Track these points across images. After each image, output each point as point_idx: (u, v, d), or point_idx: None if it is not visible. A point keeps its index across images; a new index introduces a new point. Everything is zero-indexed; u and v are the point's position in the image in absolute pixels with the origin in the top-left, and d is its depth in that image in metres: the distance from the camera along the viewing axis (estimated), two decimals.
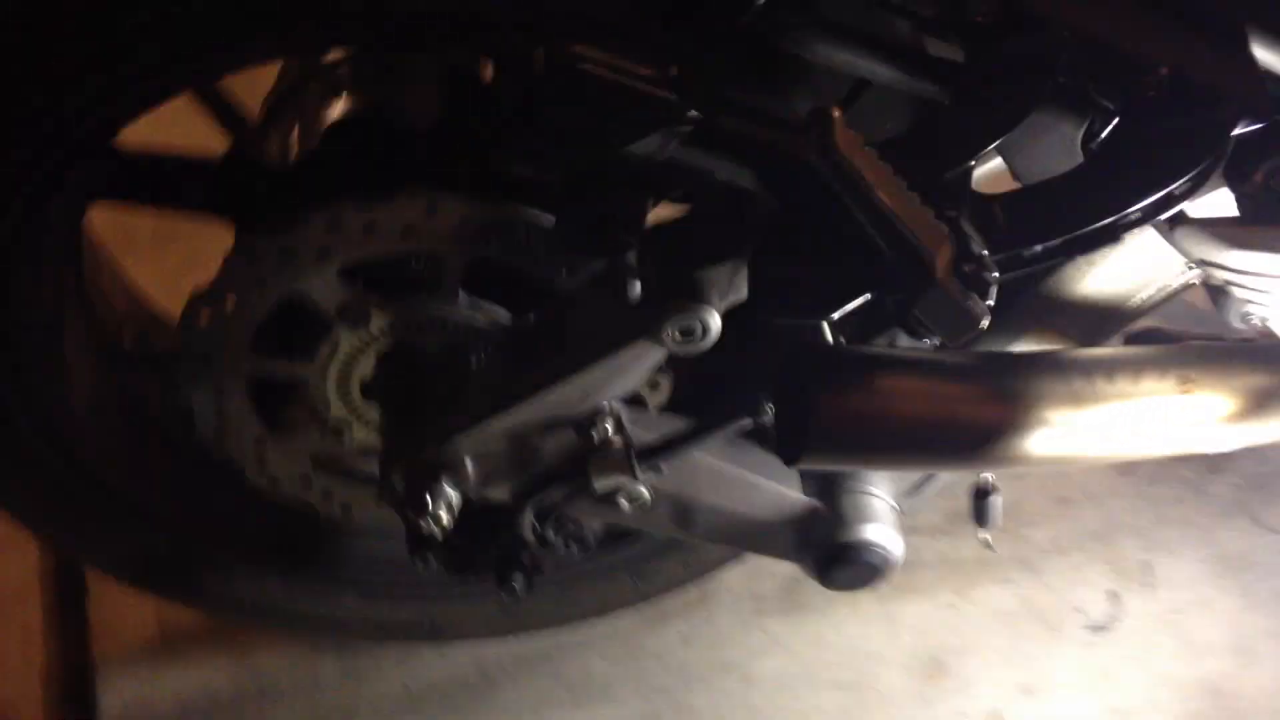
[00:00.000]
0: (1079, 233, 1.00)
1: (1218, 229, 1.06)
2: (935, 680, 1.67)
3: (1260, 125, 1.02)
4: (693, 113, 0.91)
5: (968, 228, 0.96)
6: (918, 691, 1.66)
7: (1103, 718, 1.58)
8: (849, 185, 0.89)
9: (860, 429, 1.04)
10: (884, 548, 1.25)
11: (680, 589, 1.71)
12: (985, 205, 1.00)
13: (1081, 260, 1.12)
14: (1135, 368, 1.10)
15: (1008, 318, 1.18)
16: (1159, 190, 1.00)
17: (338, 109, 1.33)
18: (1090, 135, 1.04)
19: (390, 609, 1.60)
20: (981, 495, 1.24)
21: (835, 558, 1.27)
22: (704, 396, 1.29)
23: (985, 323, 0.94)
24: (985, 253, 0.95)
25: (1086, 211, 1.01)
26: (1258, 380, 1.15)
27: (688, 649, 1.75)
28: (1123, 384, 1.08)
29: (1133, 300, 1.19)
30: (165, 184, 1.28)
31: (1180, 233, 1.08)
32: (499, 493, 1.28)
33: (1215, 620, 1.65)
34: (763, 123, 0.92)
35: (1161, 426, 1.12)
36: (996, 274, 0.95)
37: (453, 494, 1.25)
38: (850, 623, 1.75)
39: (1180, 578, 1.71)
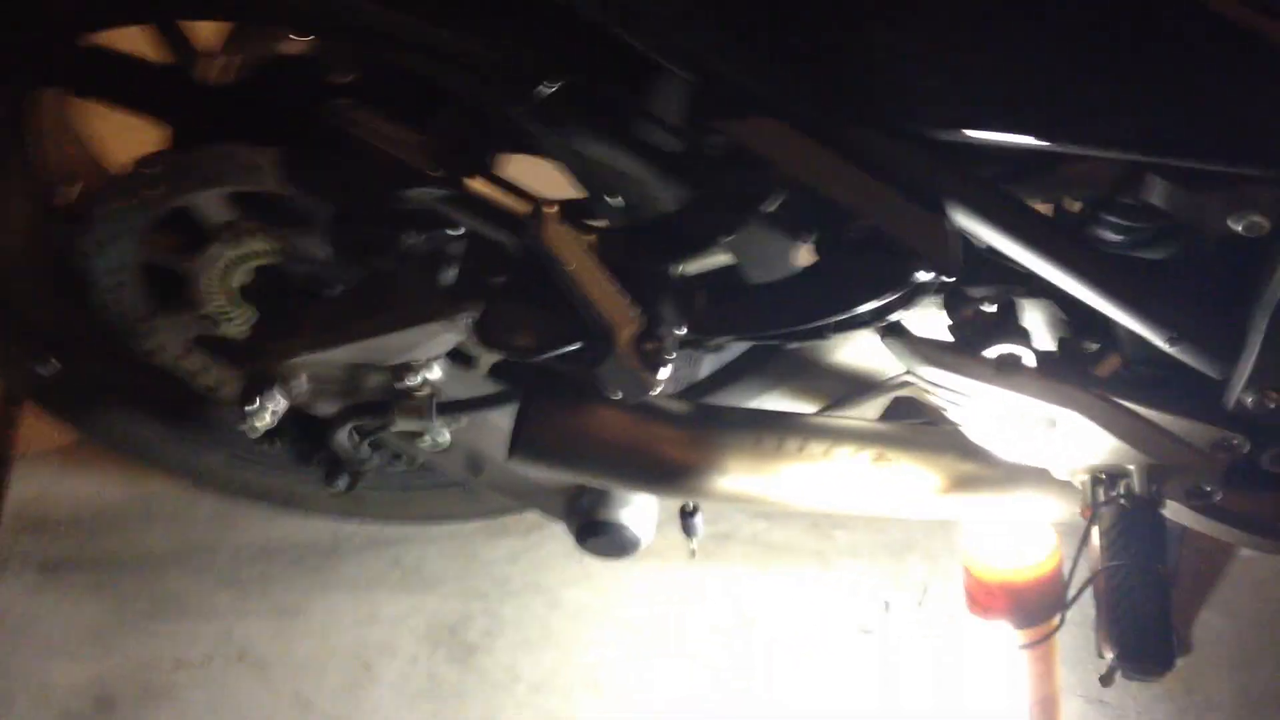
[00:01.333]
0: (766, 332, 1.18)
1: (918, 345, 1.23)
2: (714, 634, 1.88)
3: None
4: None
5: (666, 312, 1.14)
6: (697, 637, 1.88)
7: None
8: (552, 266, 1.08)
9: (559, 444, 1.24)
10: (632, 531, 1.46)
11: (515, 513, 1.92)
12: (689, 296, 1.17)
13: (821, 345, 1.29)
14: (833, 436, 1.30)
15: (759, 378, 1.36)
16: (845, 311, 1.17)
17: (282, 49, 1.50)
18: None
19: (255, 475, 1.84)
20: (685, 514, 1.45)
21: (590, 528, 1.48)
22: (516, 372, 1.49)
23: (655, 391, 1.12)
24: (671, 334, 1.12)
25: (777, 315, 1.18)
26: (948, 466, 1.34)
27: (512, 565, 1.97)
28: (814, 448, 1.27)
29: (867, 383, 1.37)
30: (115, 82, 1.46)
31: (890, 341, 1.25)
32: (325, 408, 1.49)
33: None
34: (494, 205, 1.11)
35: (848, 491, 1.31)
36: (672, 355, 1.12)
37: (282, 401, 1.46)
38: (658, 575, 1.96)
39: (949, 604, 1.90)
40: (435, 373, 1.44)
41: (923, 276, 1.15)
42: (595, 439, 1.25)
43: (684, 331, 1.15)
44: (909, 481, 1.34)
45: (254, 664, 1.87)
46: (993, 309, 1.27)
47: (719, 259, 1.19)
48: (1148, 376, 1.28)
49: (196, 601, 1.92)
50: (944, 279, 1.16)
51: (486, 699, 1.85)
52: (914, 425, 1.35)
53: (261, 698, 1.84)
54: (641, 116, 1.11)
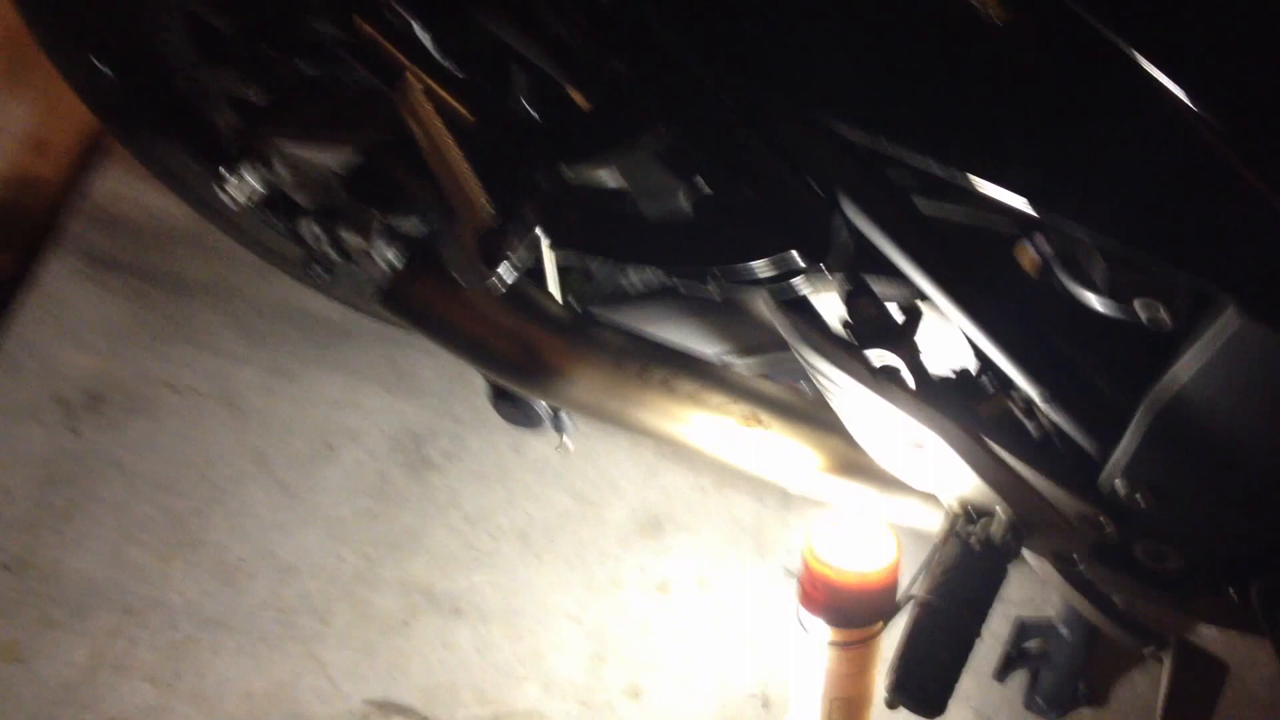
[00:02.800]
0: (627, 259, 1.14)
1: (801, 324, 1.17)
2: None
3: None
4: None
5: (525, 214, 1.11)
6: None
7: None
8: (414, 133, 1.06)
9: (421, 306, 1.25)
10: (535, 413, 1.47)
11: None
12: (558, 206, 1.14)
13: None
14: (707, 382, 1.26)
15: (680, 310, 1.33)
16: (706, 263, 1.12)
17: None
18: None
19: (269, 237, 1.91)
20: (555, 411, 1.44)
21: (504, 395, 1.49)
22: None
23: (487, 283, 1.11)
24: (519, 235, 1.10)
25: (642, 248, 1.14)
26: (825, 447, 1.30)
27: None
28: (682, 386, 1.25)
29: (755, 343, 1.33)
30: None
31: (774, 311, 1.19)
32: (302, 199, 1.53)
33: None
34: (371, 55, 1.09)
35: (708, 439, 1.29)
36: (514, 254, 1.10)
37: (256, 184, 1.51)
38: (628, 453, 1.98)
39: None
40: None
41: (794, 255, 1.10)
42: (454, 311, 1.24)
43: (539, 236, 1.13)
44: (776, 449, 1.30)
45: (232, 409, 1.98)
46: (896, 313, 1.20)
47: (606, 180, 1.15)
48: (1031, 430, 1.19)
49: (207, 335, 2.03)
50: (816, 264, 1.10)
51: (420, 513, 1.92)
52: (804, 395, 1.29)
53: (227, 441, 1.95)
54: (552, 10, 1.07)
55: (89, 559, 1.84)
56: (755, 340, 1.39)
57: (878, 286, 1.19)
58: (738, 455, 1.32)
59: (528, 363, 1.25)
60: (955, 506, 1.27)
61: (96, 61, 1.75)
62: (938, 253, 1.09)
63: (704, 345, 1.38)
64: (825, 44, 0.99)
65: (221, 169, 1.50)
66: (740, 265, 1.11)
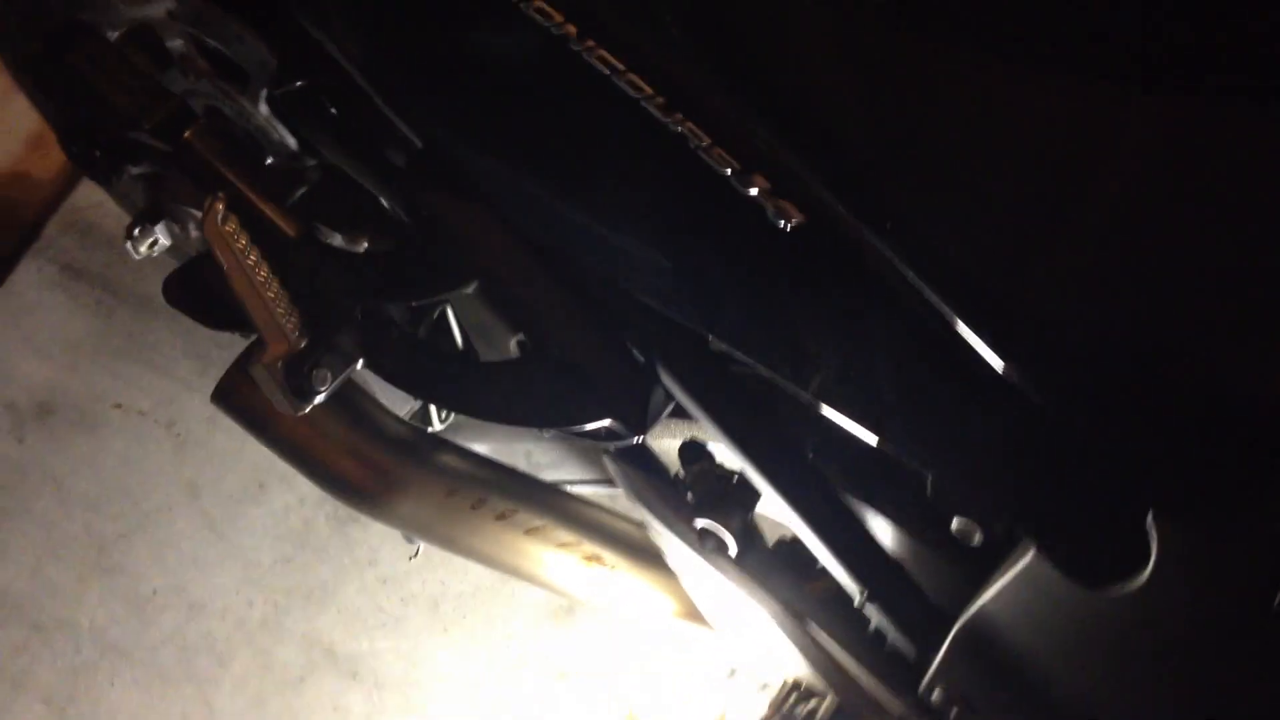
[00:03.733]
0: (444, 404, 1.11)
1: (634, 477, 1.14)
2: None
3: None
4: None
5: (341, 343, 1.08)
6: None
7: None
8: (218, 259, 1.05)
9: (251, 408, 1.23)
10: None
11: None
12: (380, 334, 1.11)
13: None
14: (551, 519, 1.24)
15: None
16: (521, 422, 1.09)
17: None
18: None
19: None
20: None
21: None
22: None
23: (296, 414, 1.09)
24: (331, 367, 1.07)
25: (460, 394, 1.11)
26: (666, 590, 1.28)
27: None
28: (521, 519, 1.23)
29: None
30: None
31: (609, 460, 1.17)
32: None
33: None
34: (193, 186, 1.08)
35: (553, 578, 1.27)
36: (323, 388, 1.08)
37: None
38: None
39: None
40: None
41: (609, 423, 1.06)
42: (286, 425, 1.23)
43: (354, 365, 1.10)
44: (617, 589, 1.27)
45: (174, 436, 2.00)
46: (728, 478, 1.16)
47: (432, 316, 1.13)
48: (860, 619, 1.15)
49: (162, 358, 2.05)
50: (634, 435, 1.07)
51: (337, 567, 1.93)
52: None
53: (163, 468, 1.97)
54: (375, 142, 1.05)
55: (9, 570, 1.88)
56: (602, 472, 1.36)
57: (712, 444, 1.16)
58: (579, 592, 1.29)
59: (360, 481, 1.23)
60: (788, 679, 1.23)
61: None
62: (757, 435, 1.05)
63: (555, 470, 1.35)
64: (626, 227, 0.96)
65: (133, 228, 1.50)
66: (560, 427, 1.08)
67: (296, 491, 1.97)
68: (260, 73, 1.21)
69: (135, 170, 1.19)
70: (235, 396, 1.22)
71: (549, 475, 1.36)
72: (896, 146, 0.83)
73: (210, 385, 2.01)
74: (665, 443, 1.17)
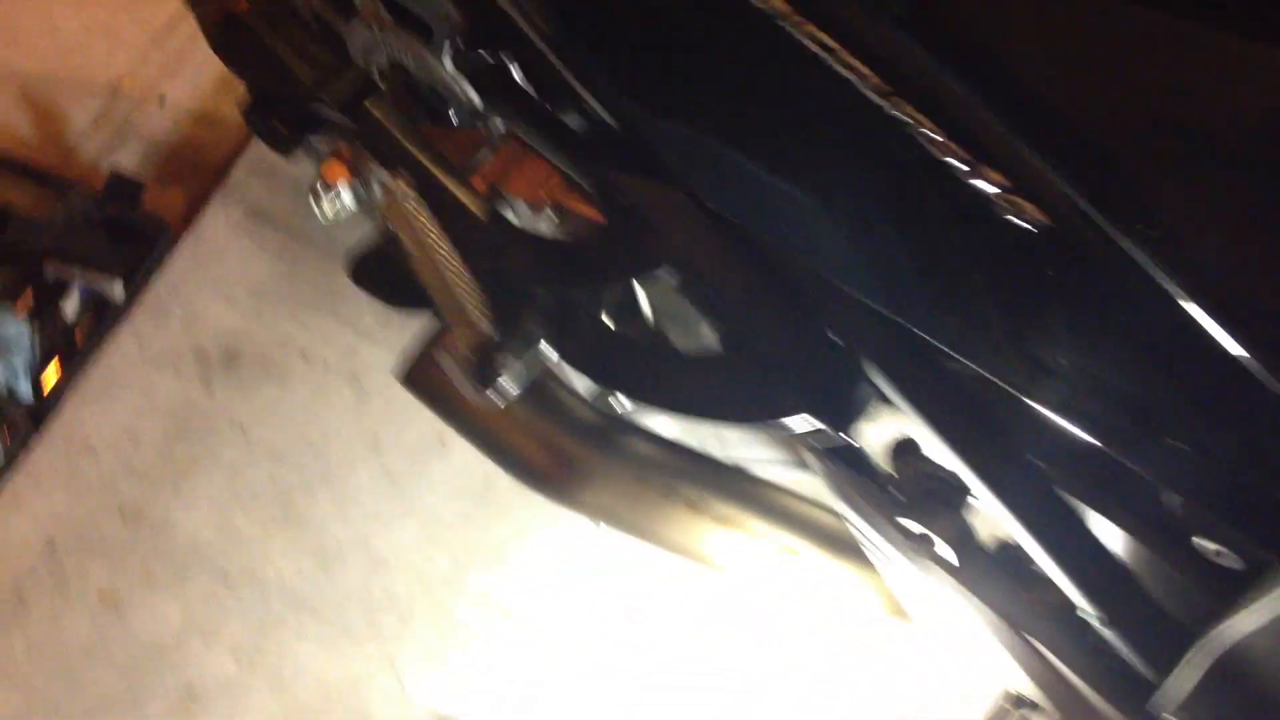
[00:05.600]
0: (638, 398, 1.03)
1: (839, 478, 1.05)
2: None
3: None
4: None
5: (528, 331, 1.00)
6: None
7: None
8: (402, 239, 0.97)
9: (438, 389, 1.17)
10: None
11: None
12: (570, 322, 1.03)
13: None
14: (744, 509, 1.16)
15: None
16: (715, 417, 1.00)
17: None
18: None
19: None
20: None
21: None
22: None
23: (480, 401, 1.01)
24: (518, 356, 0.99)
25: (653, 386, 1.02)
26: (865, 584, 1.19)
27: None
28: (717, 511, 1.15)
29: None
30: None
31: (812, 459, 1.07)
32: None
33: None
34: (376, 159, 1.00)
35: (745, 569, 1.19)
36: (508, 378, 1.00)
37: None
38: None
39: None
40: None
41: (809, 418, 0.97)
42: (474, 408, 1.16)
43: (544, 354, 1.02)
44: (815, 582, 1.19)
45: (357, 388, 1.97)
46: (944, 479, 1.06)
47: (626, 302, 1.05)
48: (1082, 629, 1.04)
49: (348, 308, 2.02)
50: (837, 429, 0.97)
51: (518, 526, 1.88)
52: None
53: (346, 421, 1.95)
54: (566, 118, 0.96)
55: (197, 520, 1.88)
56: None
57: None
58: (774, 584, 1.21)
59: (547, 468, 1.17)
60: (1003, 690, 1.13)
61: None
62: (973, 436, 0.95)
63: (747, 449, 1.26)
64: (842, 219, 0.86)
65: (317, 185, 1.46)
66: (757, 423, 0.99)
67: None
68: (443, 26, 1.13)
69: (315, 141, 1.12)
70: (422, 378, 1.16)
71: (740, 454, 1.27)
72: (1153, 140, 0.72)
73: (393, 337, 2.00)
74: (871, 439, 1.07)
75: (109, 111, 2.24)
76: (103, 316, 2.01)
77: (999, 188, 0.74)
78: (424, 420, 1.84)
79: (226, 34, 1.18)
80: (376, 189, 1.43)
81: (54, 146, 2.20)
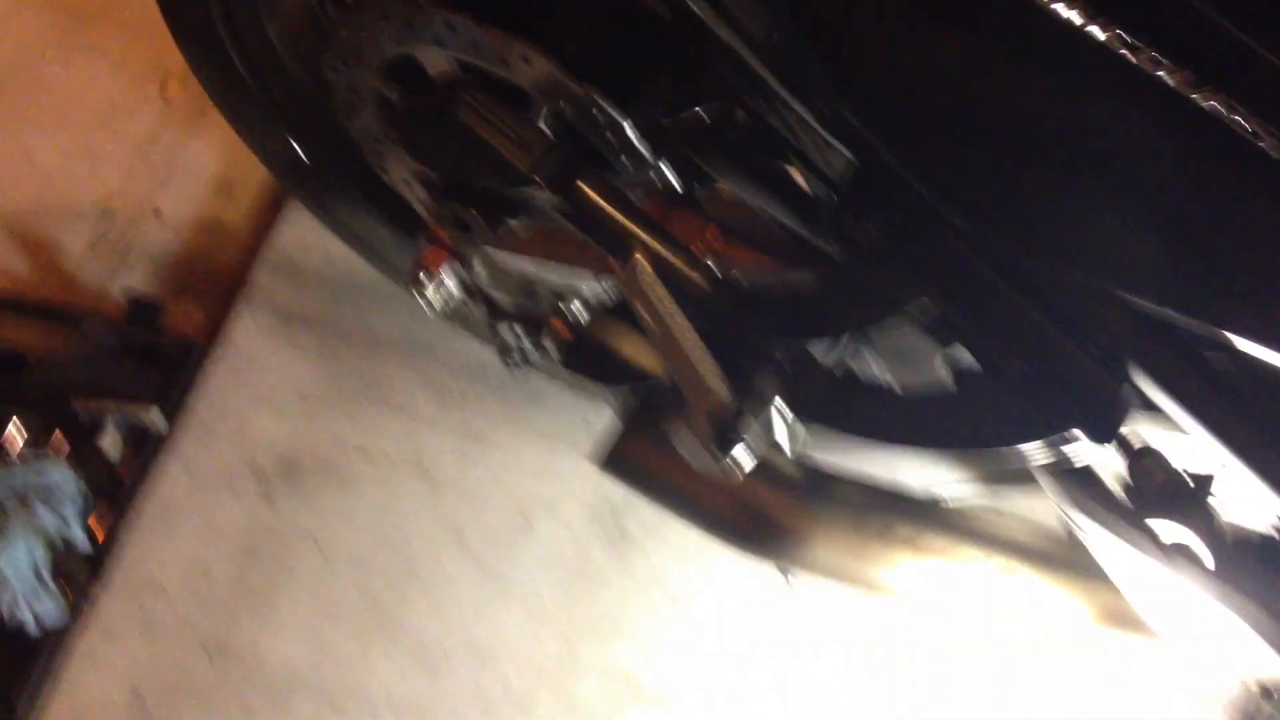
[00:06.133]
0: (878, 440, 1.00)
1: (1075, 488, 1.02)
2: None
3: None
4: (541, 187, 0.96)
5: (763, 392, 0.97)
6: None
7: None
8: (640, 315, 0.93)
9: (643, 469, 1.12)
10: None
11: None
12: (802, 379, 1.00)
13: None
14: (958, 536, 1.12)
15: None
16: (976, 446, 0.97)
17: None
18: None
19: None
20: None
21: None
22: None
23: (718, 471, 0.98)
24: (757, 418, 0.96)
25: (898, 427, 0.99)
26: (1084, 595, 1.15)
27: None
28: (933, 544, 1.11)
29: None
30: None
31: (1042, 474, 1.04)
32: (498, 297, 1.44)
33: None
34: (591, 238, 0.96)
35: (965, 596, 1.15)
36: (748, 440, 0.96)
37: (450, 282, 1.40)
38: None
39: None
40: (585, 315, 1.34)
41: (1076, 435, 0.94)
42: (680, 477, 1.12)
43: (781, 414, 0.99)
44: (1034, 599, 1.15)
45: (426, 477, 1.90)
46: (1187, 480, 1.03)
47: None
48: None
49: (400, 395, 1.95)
50: (1104, 443, 0.94)
51: (622, 592, 1.82)
52: (1060, 538, 1.14)
53: (422, 514, 1.88)
54: (793, 171, 0.92)
55: (287, 642, 1.80)
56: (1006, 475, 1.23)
57: (1164, 444, 1.03)
58: (992, 607, 1.17)
59: (762, 529, 1.13)
60: (1252, 683, 1.10)
61: (294, 141, 1.66)
62: (1246, 426, 0.92)
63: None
64: (1115, 212, 0.83)
65: (420, 274, 1.40)
66: (1013, 449, 0.96)
67: (562, 518, 1.87)
68: (544, 94, 1.09)
69: (515, 224, 1.07)
70: (627, 462, 1.12)
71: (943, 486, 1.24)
72: None
73: (453, 418, 1.94)
74: (1115, 449, 1.04)
75: (105, 234, 2.15)
76: (145, 448, 1.91)
77: None
78: (502, 498, 1.79)
79: (413, 127, 1.12)
80: (478, 268, 1.38)
81: (54, 278, 2.10)
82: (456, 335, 1.95)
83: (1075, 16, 0.72)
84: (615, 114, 1.07)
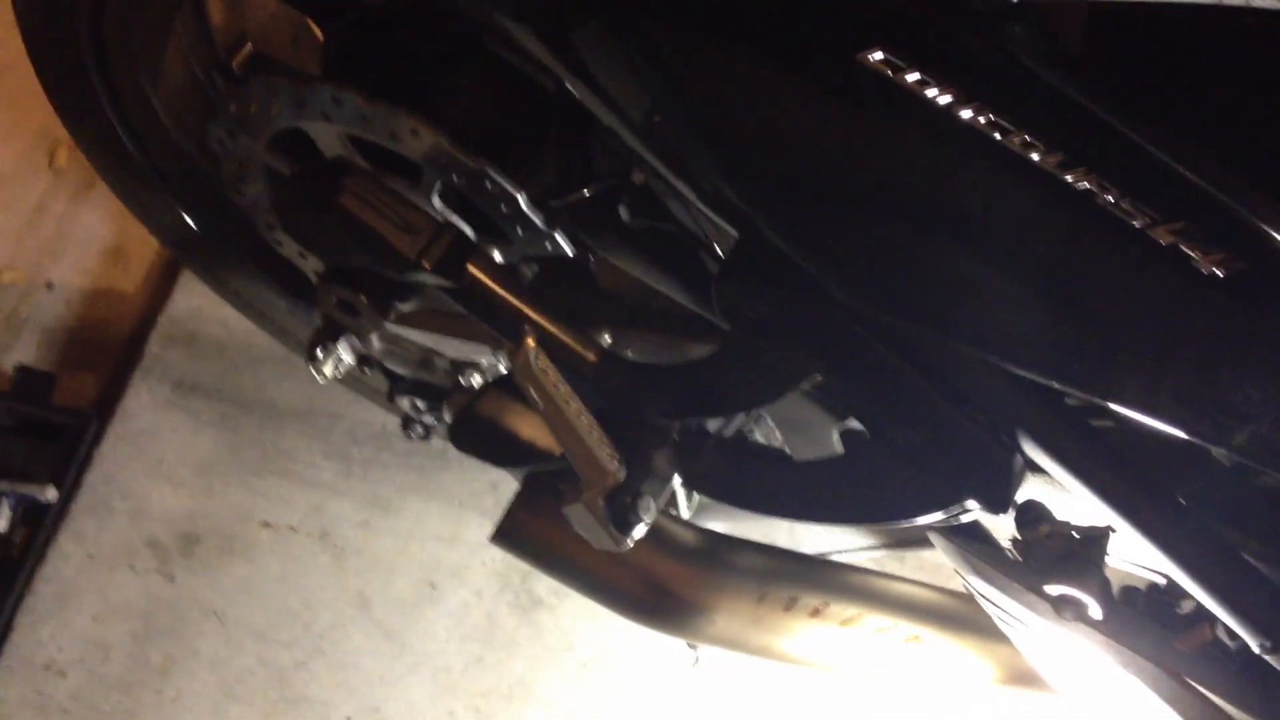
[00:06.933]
0: (774, 516, 1.00)
1: (970, 553, 1.03)
2: None
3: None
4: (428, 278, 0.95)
5: (658, 468, 0.97)
6: None
7: None
8: (533, 400, 0.93)
9: (537, 544, 1.11)
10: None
11: None
12: (695, 452, 1.00)
13: None
14: (865, 605, 1.13)
15: None
16: (870, 521, 0.98)
17: None
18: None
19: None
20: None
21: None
22: None
23: (619, 549, 0.97)
24: (652, 494, 0.96)
25: (791, 502, 0.99)
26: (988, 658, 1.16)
27: None
28: (835, 611, 1.11)
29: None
30: None
31: (939, 539, 1.05)
32: (396, 368, 1.42)
33: None
34: (483, 322, 0.96)
35: (870, 666, 1.15)
36: (645, 519, 0.96)
37: (347, 355, 1.38)
38: None
39: None
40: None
41: (971, 505, 0.95)
42: (576, 550, 1.11)
43: (672, 488, 0.99)
44: (938, 666, 1.16)
45: (332, 547, 1.87)
46: (1076, 536, 1.05)
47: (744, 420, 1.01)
48: (1238, 665, 1.04)
49: (303, 466, 1.92)
50: (998, 512, 0.95)
51: (532, 659, 1.80)
52: (965, 601, 1.15)
53: (327, 584, 1.85)
54: (681, 247, 0.93)
55: None
56: (906, 536, 1.24)
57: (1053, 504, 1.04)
58: (896, 675, 1.18)
59: (661, 602, 1.12)
60: None
61: (183, 212, 1.64)
62: (1126, 487, 0.94)
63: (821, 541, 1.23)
64: (997, 286, 0.84)
65: (315, 349, 1.37)
66: (905, 525, 0.96)
67: (470, 585, 1.85)
68: (436, 168, 1.09)
69: (404, 308, 1.06)
70: (520, 536, 1.10)
71: (814, 547, 1.25)
72: None
73: (356, 488, 1.91)
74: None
75: None
76: (39, 526, 1.86)
77: (1186, 236, 0.73)
78: (409, 566, 1.77)
79: (294, 214, 1.10)
80: (374, 342, 1.36)
81: None
82: (359, 402, 1.93)
83: (947, 100, 0.73)
84: (508, 185, 1.07)
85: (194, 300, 2.05)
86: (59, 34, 1.38)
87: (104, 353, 2.06)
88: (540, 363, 0.91)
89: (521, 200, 1.07)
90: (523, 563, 1.14)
